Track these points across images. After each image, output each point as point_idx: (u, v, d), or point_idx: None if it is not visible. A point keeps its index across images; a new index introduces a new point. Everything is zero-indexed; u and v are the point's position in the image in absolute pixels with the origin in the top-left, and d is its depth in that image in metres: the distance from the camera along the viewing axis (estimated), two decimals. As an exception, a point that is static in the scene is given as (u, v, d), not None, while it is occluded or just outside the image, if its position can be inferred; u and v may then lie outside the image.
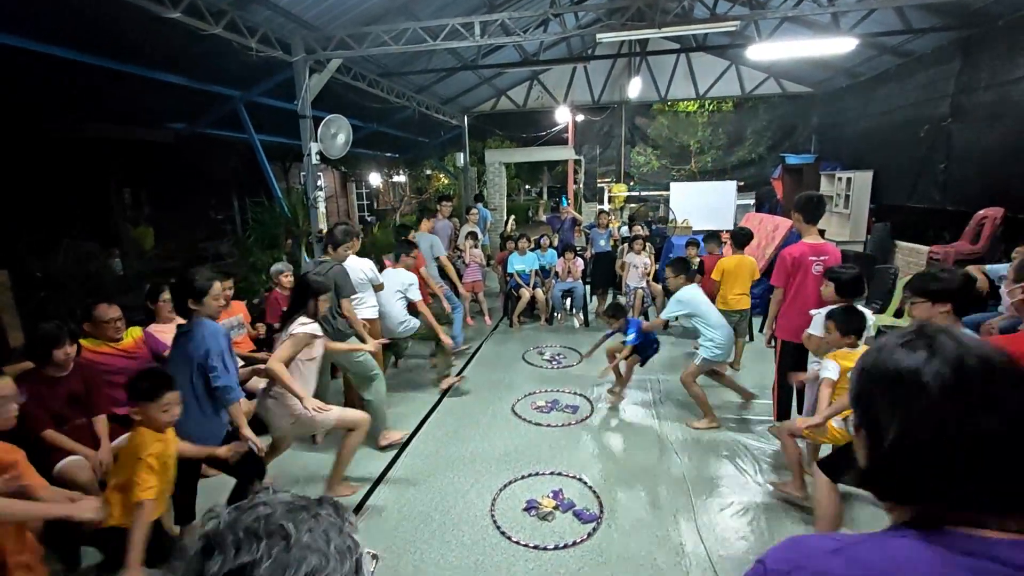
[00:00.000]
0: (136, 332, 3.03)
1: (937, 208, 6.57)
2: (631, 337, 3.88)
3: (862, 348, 2.56)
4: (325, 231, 4.93)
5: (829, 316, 2.62)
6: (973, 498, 0.60)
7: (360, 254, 3.94)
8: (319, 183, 5.51)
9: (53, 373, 2.51)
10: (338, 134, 5.55)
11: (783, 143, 11.28)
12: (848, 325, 2.55)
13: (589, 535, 2.60)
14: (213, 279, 2.46)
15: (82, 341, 2.73)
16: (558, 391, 4.46)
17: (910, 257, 6.60)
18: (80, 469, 2.43)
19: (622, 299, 6.28)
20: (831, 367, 2.51)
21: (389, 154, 11.78)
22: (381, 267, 4.36)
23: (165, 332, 3.17)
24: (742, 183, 10.47)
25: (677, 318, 4.61)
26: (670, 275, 4.00)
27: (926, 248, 6.12)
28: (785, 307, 3.25)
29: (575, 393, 4.41)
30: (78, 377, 2.59)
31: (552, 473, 3.18)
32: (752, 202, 10.28)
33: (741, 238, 4.79)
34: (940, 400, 0.60)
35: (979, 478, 0.59)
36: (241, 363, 3.65)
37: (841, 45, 6.02)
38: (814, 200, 3.19)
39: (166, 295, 3.36)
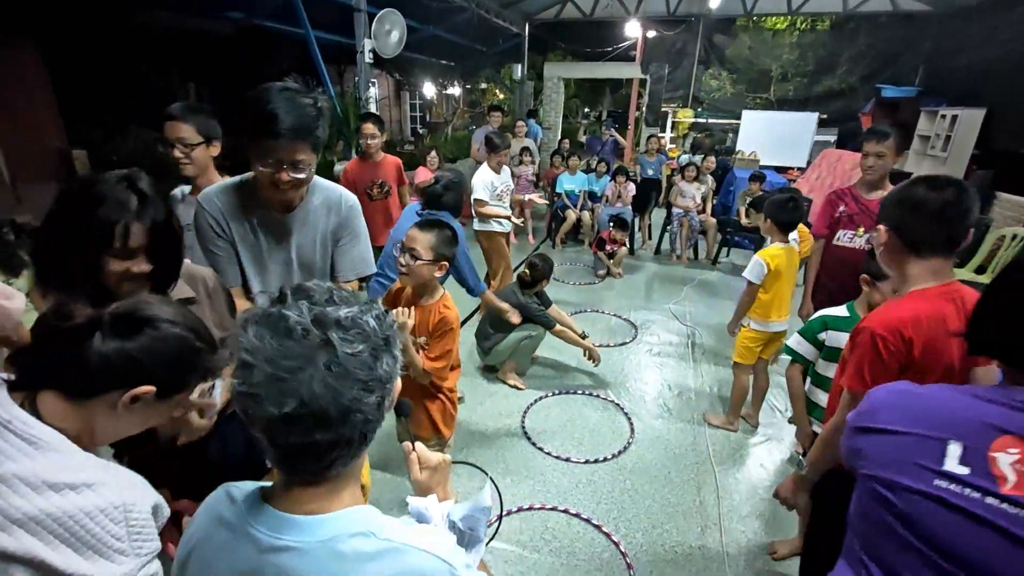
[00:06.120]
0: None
1: (1057, 156, 5.73)
2: None
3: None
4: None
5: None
6: None
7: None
8: (372, 87, 5.39)
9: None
10: (392, 31, 5.33)
11: (882, 73, 9.86)
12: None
13: (618, 453, 2.68)
14: None
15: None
16: (597, 312, 4.46)
17: (1010, 211, 5.89)
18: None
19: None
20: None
21: (444, 62, 11.33)
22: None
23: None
24: (824, 116, 9.46)
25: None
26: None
27: (1031, 201, 5.43)
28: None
29: (615, 315, 4.40)
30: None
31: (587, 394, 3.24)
32: (833, 139, 9.32)
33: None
34: None
35: None
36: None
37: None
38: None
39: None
